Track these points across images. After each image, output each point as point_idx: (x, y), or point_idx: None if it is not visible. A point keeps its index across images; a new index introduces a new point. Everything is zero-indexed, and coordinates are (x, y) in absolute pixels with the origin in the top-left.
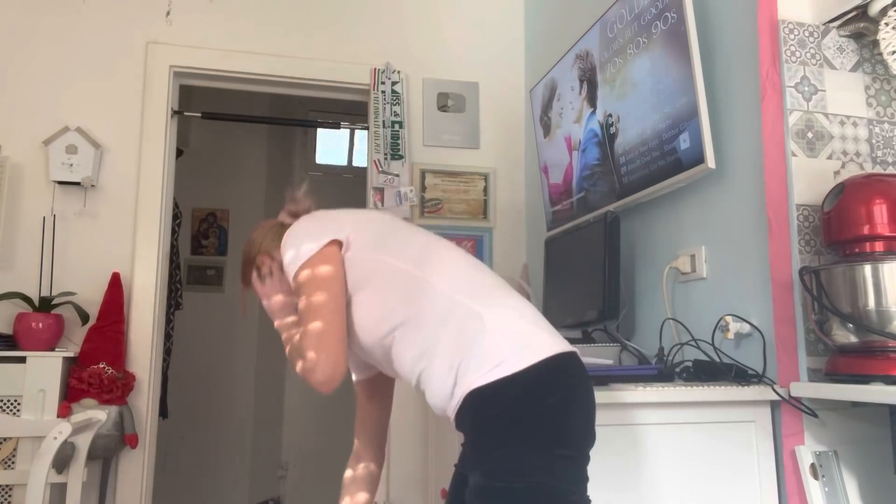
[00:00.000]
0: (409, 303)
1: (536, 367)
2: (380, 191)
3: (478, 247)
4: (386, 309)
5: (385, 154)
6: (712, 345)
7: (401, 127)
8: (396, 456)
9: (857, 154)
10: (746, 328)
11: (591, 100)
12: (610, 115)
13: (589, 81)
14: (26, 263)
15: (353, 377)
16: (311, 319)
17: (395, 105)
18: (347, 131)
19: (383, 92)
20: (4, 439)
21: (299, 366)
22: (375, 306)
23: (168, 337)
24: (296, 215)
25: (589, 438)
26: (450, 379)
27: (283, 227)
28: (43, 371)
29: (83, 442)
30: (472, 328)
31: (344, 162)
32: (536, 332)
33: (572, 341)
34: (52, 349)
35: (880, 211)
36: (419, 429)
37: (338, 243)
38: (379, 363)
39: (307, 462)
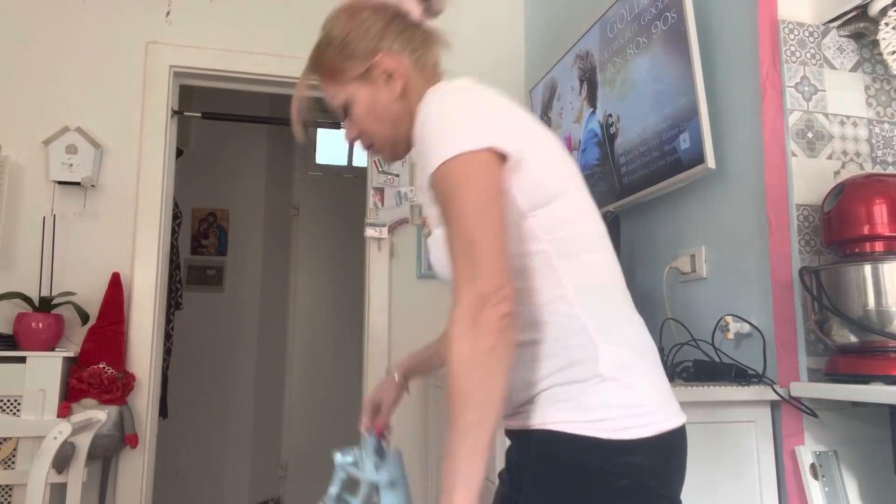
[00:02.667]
0: (521, 277)
1: (646, 442)
2: (380, 191)
3: None
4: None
5: None
6: (712, 345)
7: None
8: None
9: (857, 154)
10: (746, 328)
11: (591, 100)
12: (610, 115)
13: (589, 81)
14: (26, 263)
15: None
16: (462, 246)
17: None
18: None
19: None
20: (4, 439)
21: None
22: None
23: (168, 337)
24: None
25: None
26: (537, 392)
27: (413, 29)
28: (43, 371)
29: (83, 442)
30: (581, 367)
31: (344, 162)
32: (654, 395)
33: None
34: (52, 349)
35: (880, 211)
36: (419, 433)
37: (500, 156)
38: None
39: (307, 462)
